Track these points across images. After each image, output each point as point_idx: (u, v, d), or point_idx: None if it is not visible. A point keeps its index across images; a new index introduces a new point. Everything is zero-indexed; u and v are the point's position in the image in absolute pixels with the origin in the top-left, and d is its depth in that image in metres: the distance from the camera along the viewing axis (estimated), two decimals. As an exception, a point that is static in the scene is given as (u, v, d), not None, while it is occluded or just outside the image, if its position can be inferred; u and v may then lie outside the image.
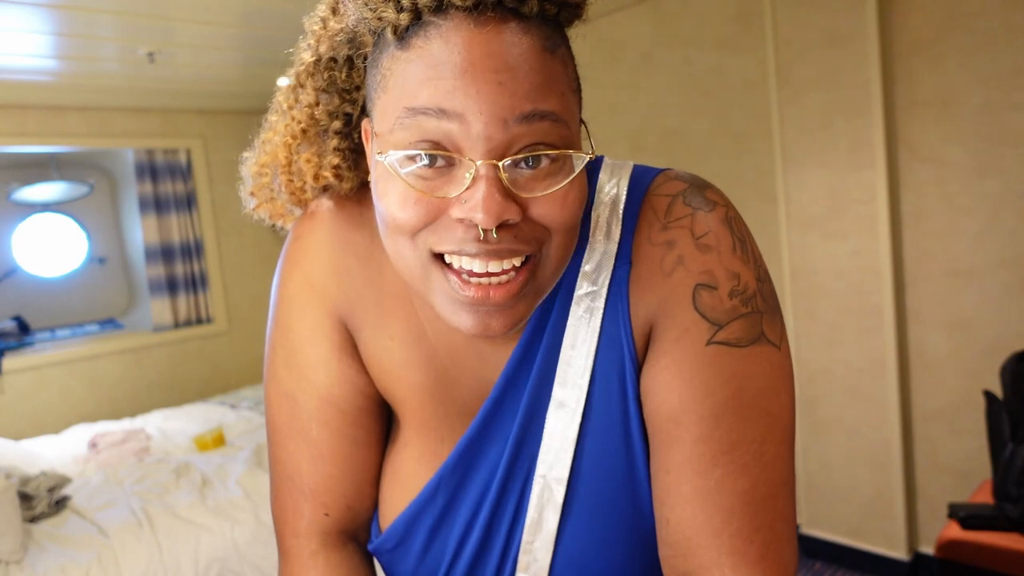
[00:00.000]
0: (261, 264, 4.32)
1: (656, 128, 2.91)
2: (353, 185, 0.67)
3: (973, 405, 2.32)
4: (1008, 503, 1.82)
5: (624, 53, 2.96)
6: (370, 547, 0.71)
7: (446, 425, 0.67)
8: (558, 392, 0.61)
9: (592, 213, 0.62)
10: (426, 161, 0.50)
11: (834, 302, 2.52)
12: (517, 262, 0.52)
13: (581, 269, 0.61)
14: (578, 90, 0.55)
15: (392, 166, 0.51)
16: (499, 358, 0.64)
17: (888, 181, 2.36)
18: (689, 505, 0.55)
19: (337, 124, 0.65)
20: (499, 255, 0.51)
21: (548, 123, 0.49)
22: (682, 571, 0.56)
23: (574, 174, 0.52)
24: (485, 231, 0.49)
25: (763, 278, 0.59)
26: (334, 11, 0.62)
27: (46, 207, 3.90)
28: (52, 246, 3.93)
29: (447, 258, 0.53)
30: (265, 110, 0.72)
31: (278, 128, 0.69)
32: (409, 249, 0.53)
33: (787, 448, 0.57)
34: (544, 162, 0.51)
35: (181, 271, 3.96)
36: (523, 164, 0.50)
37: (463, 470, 0.65)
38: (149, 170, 3.85)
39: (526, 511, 0.62)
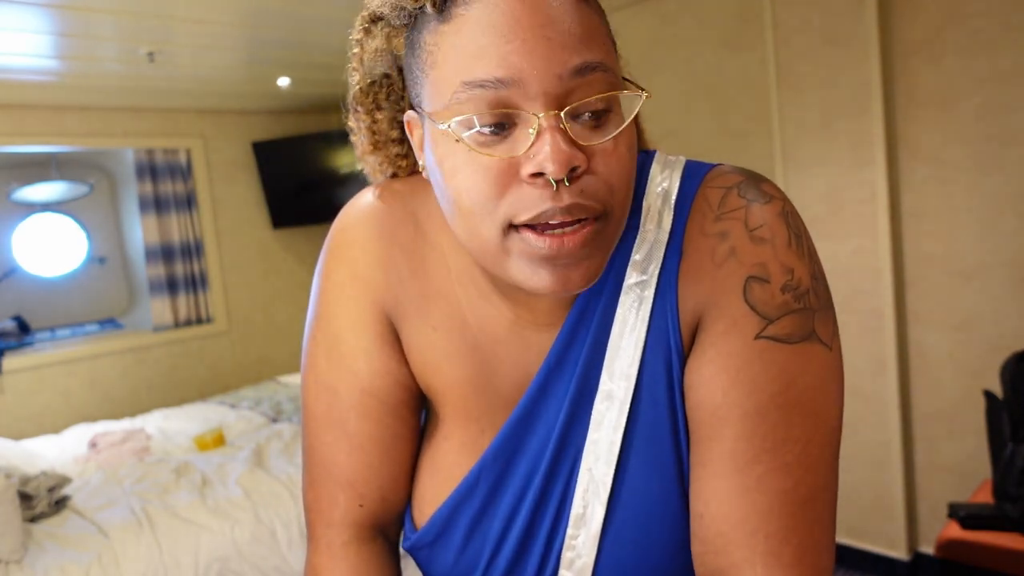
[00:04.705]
0: (261, 264, 4.32)
1: (656, 128, 2.91)
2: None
3: (973, 405, 2.32)
4: (1008, 503, 1.82)
5: (624, 53, 2.95)
6: (406, 544, 0.71)
7: (487, 416, 0.66)
8: (605, 382, 0.60)
9: (644, 203, 0.62)
10: (490, 128, 0.51)
11: (834, 302, 2.52)
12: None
13: (631, 258, 0.60)
14: (612, 38, 0.56)
15: (458, 135, 0.51)
16: (542, 346, 0.64)
17: (888, 181, 2.36)
18: (726, 502, 0.54)
19: (395, 133, 0.68)
20: (571, 212, 0.50)
21: (599, 73, 0.50)
22: (714, 568, 0.55)
23: (627, 120, 0.52)
24: (557, 182, 0.49)
25: (818, 275, 0.57)
26: (367, 32, 0.63)
27: (46, 207, 3.90)
28: (52, 246, 3.93)
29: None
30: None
31: (357, 145, 0.72)
32: (486, 225, 0.53)
33: (832, 451, 0.56)
34: (600, 113, 0.51)
35: (181, 271, 3.96)
36: (580, 116, 0.51)
37: (505, 459, 0.64)
38: (149, 170, 3.85)
39: (571, 504, 0.61)
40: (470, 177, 0.52)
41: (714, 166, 0.62)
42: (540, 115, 0.49)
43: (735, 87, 2.67)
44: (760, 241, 0.56)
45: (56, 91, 3.22)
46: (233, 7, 2.38)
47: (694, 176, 0.61)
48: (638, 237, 0.61)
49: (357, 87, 0.66)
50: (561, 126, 0.49)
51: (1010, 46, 2.13)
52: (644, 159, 0.64)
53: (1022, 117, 2.14)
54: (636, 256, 0.60)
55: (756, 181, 0.59)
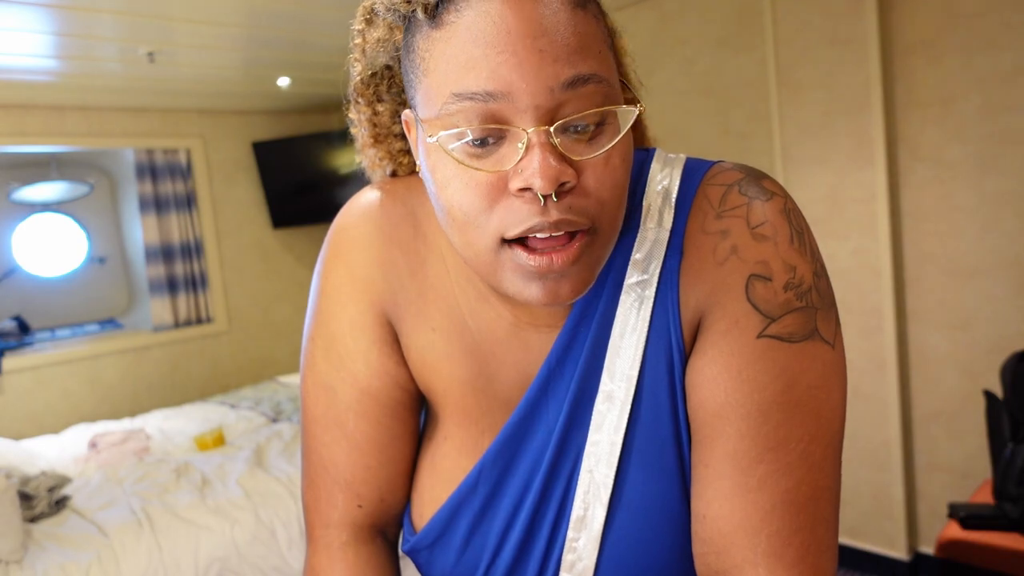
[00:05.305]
0: (261, 264, 4.32)
1: (656, 128, 2.90)
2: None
3: (973, 405, 2.32)
4: (1008, 503, 1.82)
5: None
6: (405, 547, 0.70)
7: (488, 417, 0.66)
8: (606, 383, 0.59)
9: (643, 202, 0.61)
10: (479, 140, 0.50)
11: (834, 302, 2.53)
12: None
13: (632, 257, 0.60)
14: (612, 44, 0.54)
15: (446, 148, 0.51)
16: (542, 348, 0.63)
17: (888, 181, 2.36)
18: (728, 502, 0.54)
19: (397, 128, 0.67)
20: (559, 227, 0.50)
21: (592, 85, 0.49)
22: (716, 569, 0.55)
23: (621, 132, 0.51)
24: (545, 197, 0.49)
25: (820, 273, 0.57)
26: (368, 22, 0.62)
27: (46, 207, 3.90)
28: (52, 246, 3.93)
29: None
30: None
31: (358, 137, 0.71)
32: (479, 237, 0.53)
33: (834, 451, 0.55)
34: (592, 125, 0.50)
35: (181, 271, 3.96)
36: (572, 129, 0.50)
37: (505, 460, 0.64)
38: (149, 170, 3.85)
39: (571, 506, 0.60)
40: (461, 190, 0.51)
41: (714, 163, 0.62)
42: (529, 130, 0.48)
43: (735, 87, 2.67)
44: (762, 239, 0.56)
45: (56, 91, 3.22)
46: (233, 7, 2.38)
47: (694, 174, 0.61)
48: (638, 236, 0.60)
49: (358, 78, 0.65)
50: (550, 141, 0.49)
51: (1010, 46, 2.13)
52: (644, 157, 0.64)
53: (1022, 117, 2.14)
54: (636, 255, 0.60)
55: (757, 178, 0.59)
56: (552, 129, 0.49)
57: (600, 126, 0.51)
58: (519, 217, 0.50)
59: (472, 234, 0.53)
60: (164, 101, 3.69)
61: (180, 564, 2.19)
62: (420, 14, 0.52)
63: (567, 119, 0.49)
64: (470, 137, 0.50)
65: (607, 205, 0.52)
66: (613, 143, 0.51)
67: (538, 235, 0.51)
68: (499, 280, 0.54)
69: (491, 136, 0.50)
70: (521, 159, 0.49)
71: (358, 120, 0.68)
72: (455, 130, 0.50)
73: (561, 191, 0.50)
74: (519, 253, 0.52)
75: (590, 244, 0.52)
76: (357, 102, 0.67)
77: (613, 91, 0.51)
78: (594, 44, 0.50)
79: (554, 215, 0.50)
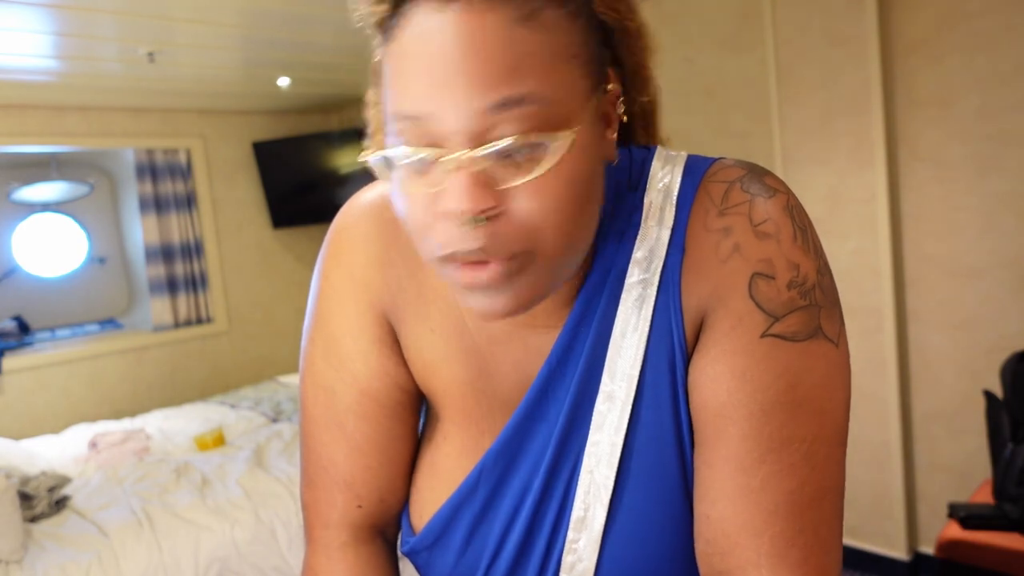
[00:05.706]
0: (261, 264, 4.32)
1: (656, 128, 2.91)
2: None
3: (973, 405, 2.32)
4: (1008, 503, 1.82)
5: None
6: (404, 549, 0.70)
7: (488, 418, 0.66)
8: (607, 383, 0.59)
9: (644, 200, 0.61)
10: (413, 160, 0.50)
11: (834, 302, 2.52)
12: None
13: (632, 256, 0.59)
14: (580, 54, 0.51)
15: (381, 167, 0.52)
16: (542, 348, 0.63)
17: (888, 181, 2.36)
18: (731, 502, 0.53)
19: None
20: (484, 252, 0.49)
21: (525, 107, 0.47)
22: (719, 570, 0.54)
23: (552, 160, 0.48)
24: (470, 223, 0.49)
25: (823, 271, 0.56)
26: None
27: (46, 207, 3.90)
28: (52, 246, 3.93)
29: None
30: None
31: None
32: (424, 250, 0.53)
33: (839, 450, 0.55)
34: (525, 148, 0.48)
35: (181, 271, 3.96)
36: (504, 153, 0.48)
37: (506, 461, 0.63)
38: (149, 170, 3.85)
39: (571, 507, 0.60)
40: (403, 203, 0.52)
41: (716, 160, 0.61)
42: (452, 156, 0.48)
43: (735, 87, 2.67)
44: (765, 236, 0.55)
45: (56, 91, 3.22)
46: (233, 7, 2.38)
47: (696, 171, 0.60)
48: (639, 235, 0.60)
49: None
50: (473, 167, 0.48)
51: (1010, 46, 2.13)
52: (645, 155, 0.63)
53: (1022, 117, 2.14)
54: (638, 254, 0.59)
55: (759, 175, 0.58)
56: (476, 154, 0.47)
57: (536, 148, 0.48)
58: (446, 239, 0.50)
59: (421, 245, 0.53)
60: (164, 101, 3.69)
61: (180, 564, 2.19)
62: (374, 29, 0.52)
63: (490, 145, 0.48)
64: (403, 157, 0.50)
65: (543, 231, 0.50)
66: (544, 168, 0.48)
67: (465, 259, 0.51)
68: (450, 289, 0.55)
69: (427, 156, 0.50)
70: (446, 182, 0.49)
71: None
72: (392, 148, 0.51)
73: (488, 215, 0.48)
74: (450, 267, 0.52)
75: (522, 268, 0.51)
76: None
77: (555, 111, 0.48)
78: (534, 62, 0.47)
79: (474, 242, 0.49)
